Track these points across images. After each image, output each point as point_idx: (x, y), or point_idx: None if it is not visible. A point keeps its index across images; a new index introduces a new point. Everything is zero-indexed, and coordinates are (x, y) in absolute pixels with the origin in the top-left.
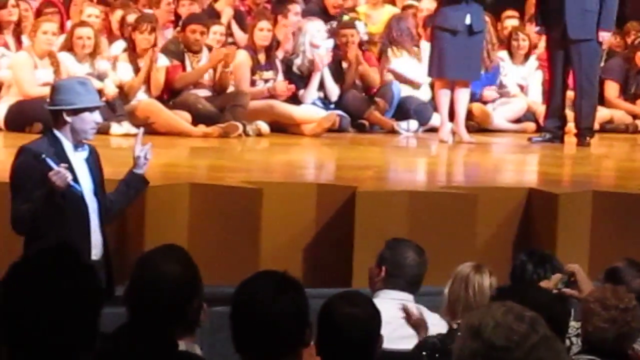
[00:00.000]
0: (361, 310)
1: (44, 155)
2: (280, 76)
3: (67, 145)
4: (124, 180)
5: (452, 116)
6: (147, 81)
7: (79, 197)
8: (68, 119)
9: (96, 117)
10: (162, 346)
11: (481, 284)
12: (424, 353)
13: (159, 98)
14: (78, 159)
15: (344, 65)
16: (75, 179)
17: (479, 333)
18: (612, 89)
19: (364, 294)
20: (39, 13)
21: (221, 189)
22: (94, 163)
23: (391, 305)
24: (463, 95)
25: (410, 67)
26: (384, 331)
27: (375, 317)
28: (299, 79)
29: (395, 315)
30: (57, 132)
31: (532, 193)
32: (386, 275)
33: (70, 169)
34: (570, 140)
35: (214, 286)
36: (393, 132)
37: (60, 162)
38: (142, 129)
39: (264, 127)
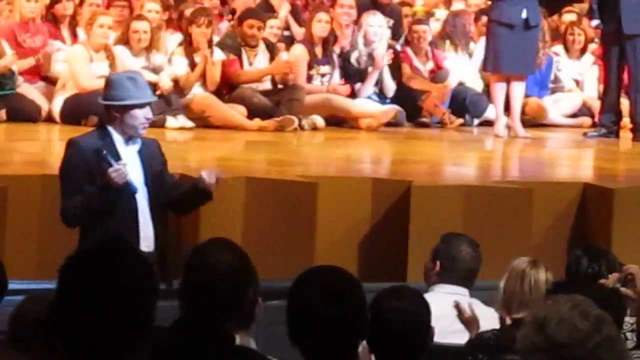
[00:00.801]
0: (409, 303)
1: (105, 152)
2: (337, 71)
3: (118, 139)
4: (194, 183)
5: (507, 110)
6: (203, 75)
7: (127, 191)
8: (117, 114)
9: (146, 112)
10: (218, 339)
11: (537, 279)
12: (477, 349)
13: (216, 92)
14: (130, 152)
15: (414, 60)
16: None
17: (543, 327)
18: None
19: (412, 287)
20: (109, 7)
21: (277, 182)
22: (149, 155)
23: (446, 299)
24: (519, 90)
25: (460, 63)
26: (439, 325)
27: (423, 309)
28: (356, 72)
29: (450, 309)
30: (109, 127)
31: (588, 188)
32: (441, 269)
33: (119, 160)
34: (626, 135)
35: (269, 280)
36: (444, 123)
37: (110, 155)
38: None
39: (319, 121)
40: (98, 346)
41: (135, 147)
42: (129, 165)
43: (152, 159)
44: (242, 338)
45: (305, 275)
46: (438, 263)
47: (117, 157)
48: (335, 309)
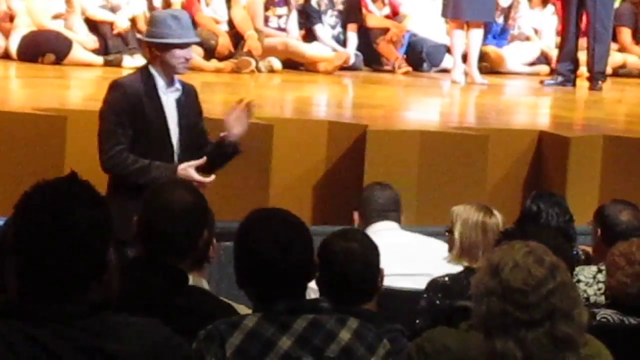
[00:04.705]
0: (357, 244)
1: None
2: (294, 13)
3: (160, 82)
4: (218, 141)
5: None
6: None
7: (166, 141)
8: (158, 53)
9: (187, 53)
10: (172, 279)
11: (497, 226)
12: (435, 290)
13: None
14: (170, 99)
15: (370, 5)
16: (165, 119)
17: (497, 272)
18: (625, 34)
19: (361, 230)
20: None
21: None
22: (187, 104)
23: (380, 235)
24: (476, 36)
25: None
26: None
27: (371, 250)
28: (316, 13)
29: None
30: (151, 68)
31: (543, 136)
32: (360, 217)
33: (161, 108)
34: (583, 84)
35: (223, 221)
36: (393, 68)
37: (151, 101)
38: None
39: (276, 63)
40: (51, 284)
41: (174, 95)
42: (167, 112)
43: (189, 108)
44: (196, 278)
45: (251, 220)
46: (356, 214)
47: (158, 104)
48: (283, 254)
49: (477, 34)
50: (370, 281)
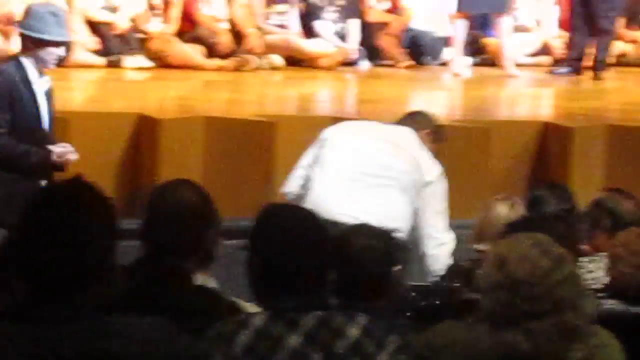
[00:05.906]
0: (376, 242)
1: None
2: (295, 9)
3: (32, 73)
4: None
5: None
6: (165, 13)
7: (46, 137)
8: (32, 46)
9: (60, 51)
10: (176, 278)
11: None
12: (454, 276)
13: (181, 29)
14: (40, 89)
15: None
16: (38, 108)
17: (504, 265)
18: (619, 23)
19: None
20: None
21: (235, 122)
22: (50, 98)
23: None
24: (505, 25)
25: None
26: None
27: (387, 247)
28: (316, 9)
29: None
30: (22, 59)
31: (547, 126)
32: None
33: (34, 97)
34: (585, 73)
35: (228, 219)
36: (397, 63)
37: (26, 89)
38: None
39: (277, 60)
40: (56, 285)
41: (45, 86)
42: (40, 103)
43: (52, 100)
44: (201, 277)
45: (270, 215)
46: None
47: (32, 93)
48: (303, 251)
49: (505, 21)
50: (386, 278)
